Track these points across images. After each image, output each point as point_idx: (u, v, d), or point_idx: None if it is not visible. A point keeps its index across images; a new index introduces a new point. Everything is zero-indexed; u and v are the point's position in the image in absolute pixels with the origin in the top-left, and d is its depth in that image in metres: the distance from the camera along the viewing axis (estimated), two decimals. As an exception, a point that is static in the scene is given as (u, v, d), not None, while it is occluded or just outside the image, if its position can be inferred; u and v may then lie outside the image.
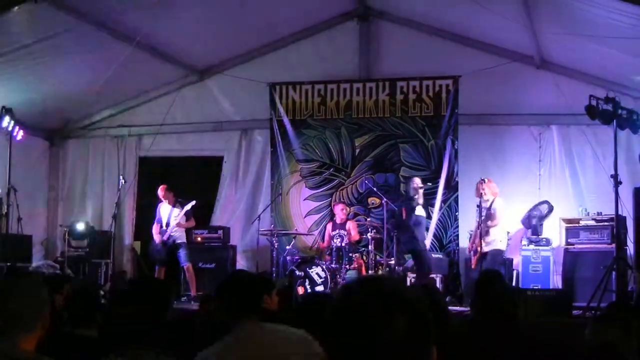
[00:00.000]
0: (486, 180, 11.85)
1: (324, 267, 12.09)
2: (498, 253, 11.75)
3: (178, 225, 12.88)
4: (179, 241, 12.91)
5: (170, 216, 12.93)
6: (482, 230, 11.65)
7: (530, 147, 13.25)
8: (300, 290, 11.76)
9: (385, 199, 12.65)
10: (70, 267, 13.40)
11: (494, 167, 13.01)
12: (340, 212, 13.07)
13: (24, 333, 3.08)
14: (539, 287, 11.44)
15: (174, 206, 12.96)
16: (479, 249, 11.65)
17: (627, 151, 12.08)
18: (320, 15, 13.78)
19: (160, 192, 13.00)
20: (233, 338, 3.87)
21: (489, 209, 11.72)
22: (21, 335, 3.07)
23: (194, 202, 12.99)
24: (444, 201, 13.04)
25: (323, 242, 13.32)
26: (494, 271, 6.73)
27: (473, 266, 11.89)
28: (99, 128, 15.38)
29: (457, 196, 13.17)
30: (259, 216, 13.36)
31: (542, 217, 12.39)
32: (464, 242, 12.94)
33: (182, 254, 12.82)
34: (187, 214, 13.01)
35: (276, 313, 5.05)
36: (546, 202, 12.48)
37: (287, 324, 4.11)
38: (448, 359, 2.19)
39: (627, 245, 11.06)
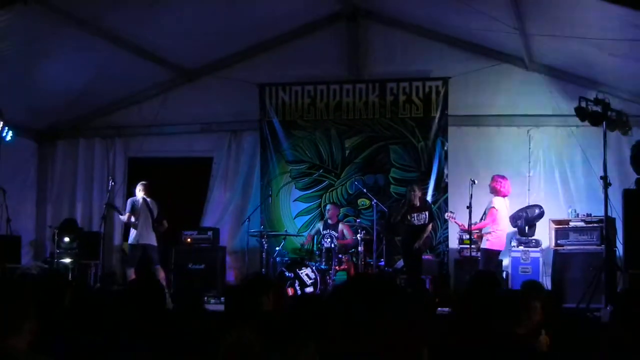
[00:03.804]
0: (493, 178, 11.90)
1: (314, 268, 12.08)
2: (483, 252, 11.79)
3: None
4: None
5: None
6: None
7: (520, 148, 13.24)
8: (290, 291, 11.74)
9: (375, 200, 12.66)
10: (59, 268, 13.33)
11: (484, 168, 12.94)
12: (327, 212, 13.11)
13: (13, 335, 3.07)
14: (529, 288, 11.43)
15: None
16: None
17: (616, 153, 12.13)
18: (309, 16, 13.74)
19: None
20: None
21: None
22: (10, 337, 3.06)
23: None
24: (433, 202, 12.99)
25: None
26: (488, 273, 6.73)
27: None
28: (88, 129, 15.30)
29: (446, 197, 13.19)
30: (248, 217, 13.34)
31: (530, 219, 12.40)
32: (453, 244, 12.97)
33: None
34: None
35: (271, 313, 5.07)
36: (538, 206, 12.50)
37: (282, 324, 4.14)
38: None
39: (616, 247, 11.08)
